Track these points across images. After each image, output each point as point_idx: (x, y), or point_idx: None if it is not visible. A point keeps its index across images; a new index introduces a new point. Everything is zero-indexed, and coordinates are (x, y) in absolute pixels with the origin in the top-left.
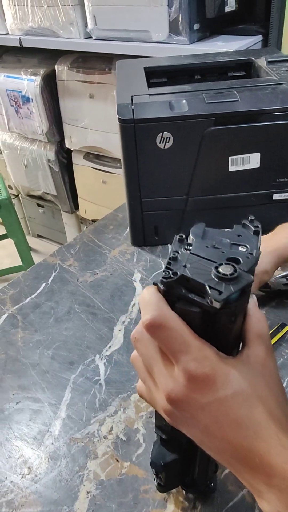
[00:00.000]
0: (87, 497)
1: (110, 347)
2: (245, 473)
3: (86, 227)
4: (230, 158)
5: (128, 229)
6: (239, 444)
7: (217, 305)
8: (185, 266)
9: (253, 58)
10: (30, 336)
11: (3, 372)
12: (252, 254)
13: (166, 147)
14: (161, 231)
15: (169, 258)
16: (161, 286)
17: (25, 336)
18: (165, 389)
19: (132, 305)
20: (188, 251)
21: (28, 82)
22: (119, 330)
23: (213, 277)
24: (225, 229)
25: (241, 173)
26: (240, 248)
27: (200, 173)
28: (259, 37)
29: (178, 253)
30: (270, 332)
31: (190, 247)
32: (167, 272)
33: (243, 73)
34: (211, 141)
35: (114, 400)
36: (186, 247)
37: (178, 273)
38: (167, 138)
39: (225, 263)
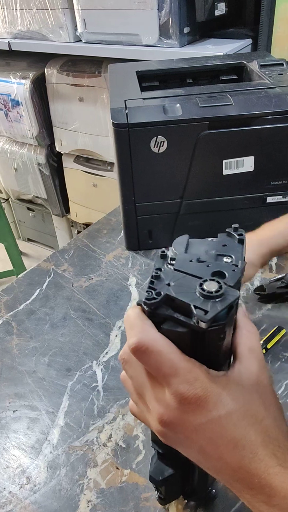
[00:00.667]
0: (88, 506)
1: (107, 353)
2: (244, 493)
3: (77, 231)
4: (224, 161)
5: (122, 233)
6: (237, 464)
7: (203, 325)
8: (169, 285)
9: (245, 62)
10: (25, 343)
11: None
12: (237, 266)
13: (160, 151)
14: (156, 234)
15: (152, 277)
16: (145, 308)
17: (21, 343)
18: (157, 412)
19: (128, 310)
20: (171, 267)
21: (18, 86)
22: (116, 336)
23: (198, 295)
24: (209, 239)
25: (235, 176)
26: (225, 259)
27: (194, 177)
28: (249, 41)
29: (161, 270)
30: (267, 335)
31: (174, 262)
32: (150, 293)
33: (235, 77)
34: (205, 145)
35: (112, 406)
36: (169, 262)
37: (162, 293)
38: (161, 142)
39: (210, 279)
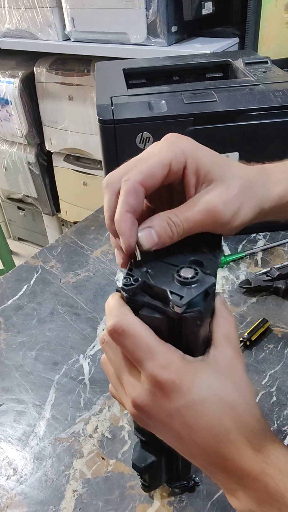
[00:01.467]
0: (74, 496)
1: (94, 346)
2: (217, 474)
3: (68, 229)
4: None
5: None
6: (211, 449)
7: (178, 310)
8: (147, 272)
9: (230, 60)
10: (12, 338)
11: None
12: (214, 255)
13: (146, 147)
14: None
15: (130, 264)
16: (124, 294)
17: (8, 338)
18: (132, 395)
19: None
20: (150, 255)
21: (7, 85)
22: (103, 330)
23: (175, 281)
24: None
25: None
26: (204, 248)
27: None
28: (236, 39)
29: (140, 258)
30: (252, 327)
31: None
32: (128, 279)
33: (221, 74)
34: None
35: (99, 398)
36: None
37: (140, 280)
38: (147, 138)
39: (187, 267)
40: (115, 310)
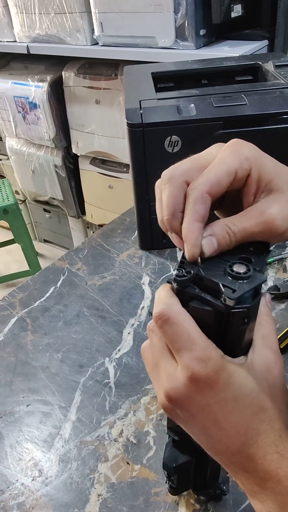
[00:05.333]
0: (98, 499)
1: (119, 350)
2: (239, 474)
3: (93, 232)
4: None
5: (136, 233)
6: (236, 449)
7: (230, 303)
8: (198, 265)
9: (260, 63)
10: (39, 339)
11: (13, 375)
12: (262, 254)
13: (174, 151)
14: None
15: (182, 257)
16: (174, 285)
17: (35, 339)
18: (165, 385)
19: (141, 308)
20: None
21: (35, 89)
22: (128, 333)
23: (226, 276)
24: None
25: None
26: (251, 248)
27: None
28: (265, 42)
29: None
30: (280, 334)
31: None
32: (180, 271)
33: (250, 77)
34: None
35: (124, 402)
36: None
37: (192, 272)
38: (175, 141)
39: (238, 262)
40: (164, 299)
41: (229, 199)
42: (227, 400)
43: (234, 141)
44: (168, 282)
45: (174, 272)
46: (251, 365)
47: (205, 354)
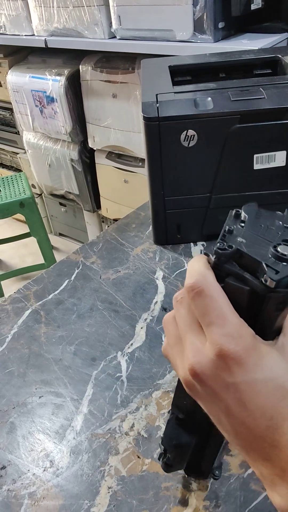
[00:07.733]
0: (108, 492)
1: (132, 344)
2: (258, 463)
3: (108, 226)
4: (255, 156)
5: (150, 227)
6: (259, 433)
7: (272, 284)
8: (240, 242)
9: (279, 56)
10: (53, 332)
11: (26, 367)
12: None
13: (190, 145)
14: (184, 229)
15: (225, 231)
16: (213, 258)
17: (48, 332)
18: (191, 360)
19: (154, 303)
20: (242, 228)
21: (53, 82)
22: (141, 328)
23: (270, 256)
24: (277, 212)
25: (266, 171)
26: None
27: (224, 171)
28: (285, 35)
29: (233, 227)
30: None
31: (243, 224)
32: (222, 244)
33: (269, 71)
34: (236, 139)
35: (135, 397)
36: (240, 224)
37: (234, 247)
38: (191, 136)
39: (284, 244)
40: (199, 270)
41: None
42: (256, 381)
43: None
44: (206, 254)
45: (216, 245)
46: (282, 349)
47: (237, 331)
